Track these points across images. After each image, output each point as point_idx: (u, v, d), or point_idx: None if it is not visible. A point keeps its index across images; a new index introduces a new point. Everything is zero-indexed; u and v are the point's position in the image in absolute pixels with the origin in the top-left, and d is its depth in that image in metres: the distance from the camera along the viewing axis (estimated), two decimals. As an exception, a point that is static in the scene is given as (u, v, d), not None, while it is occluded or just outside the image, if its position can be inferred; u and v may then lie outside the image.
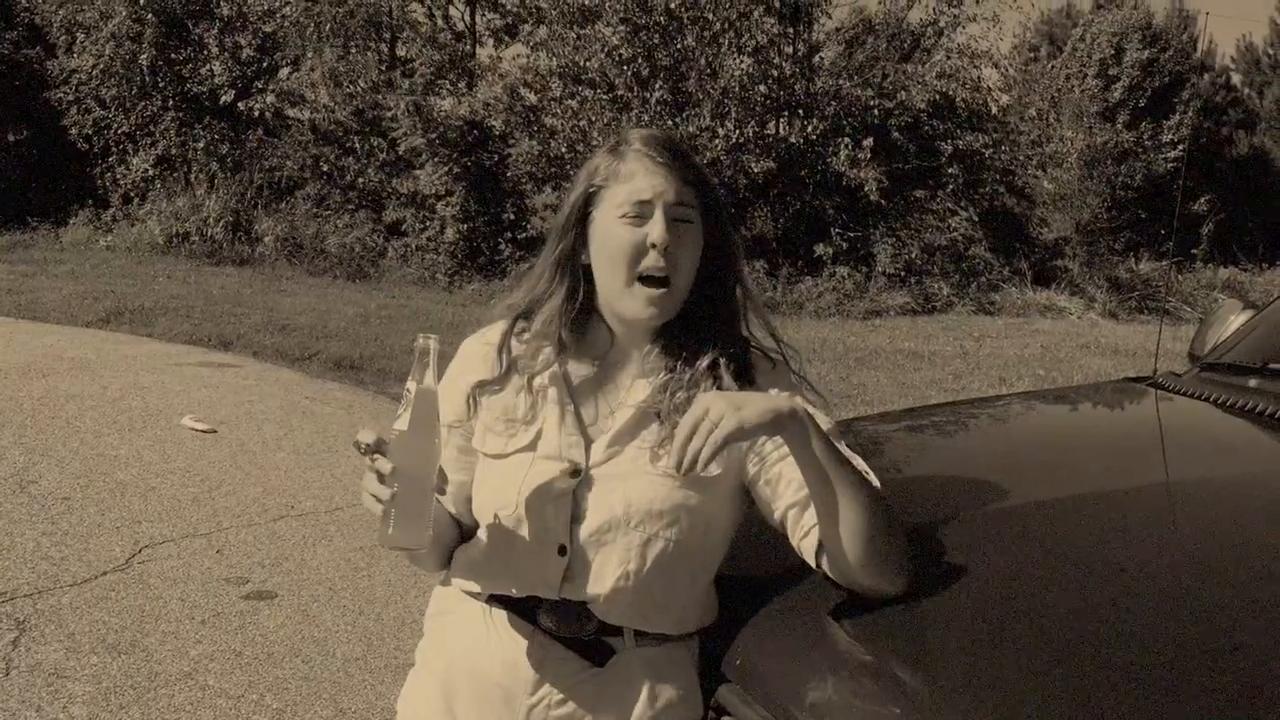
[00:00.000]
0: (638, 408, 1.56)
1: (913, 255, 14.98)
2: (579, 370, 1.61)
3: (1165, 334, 11.24)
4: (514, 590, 1.54)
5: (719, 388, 1.54)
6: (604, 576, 1.50)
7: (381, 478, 1.42)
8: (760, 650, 1.48)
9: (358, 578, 4.34)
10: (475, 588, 1.58)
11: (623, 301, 1.55)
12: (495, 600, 1.57)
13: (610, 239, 1.54)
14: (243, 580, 4.24)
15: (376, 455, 1.42)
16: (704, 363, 1.56)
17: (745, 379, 1.57)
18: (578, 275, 1.59)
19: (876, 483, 1.49)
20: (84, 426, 6.36)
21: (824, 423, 1.51)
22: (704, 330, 1.59)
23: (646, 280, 1.53)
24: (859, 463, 1.49)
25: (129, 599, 4.00)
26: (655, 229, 1.52)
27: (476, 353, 1.64)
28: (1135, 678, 1.23)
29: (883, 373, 9.48)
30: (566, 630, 1.52)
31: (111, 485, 5.31)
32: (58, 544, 4.49)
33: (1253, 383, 2.30)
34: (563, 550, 1.51)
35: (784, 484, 1.51)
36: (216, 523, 4.87)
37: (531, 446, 1.55)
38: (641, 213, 1.53)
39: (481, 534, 1.58)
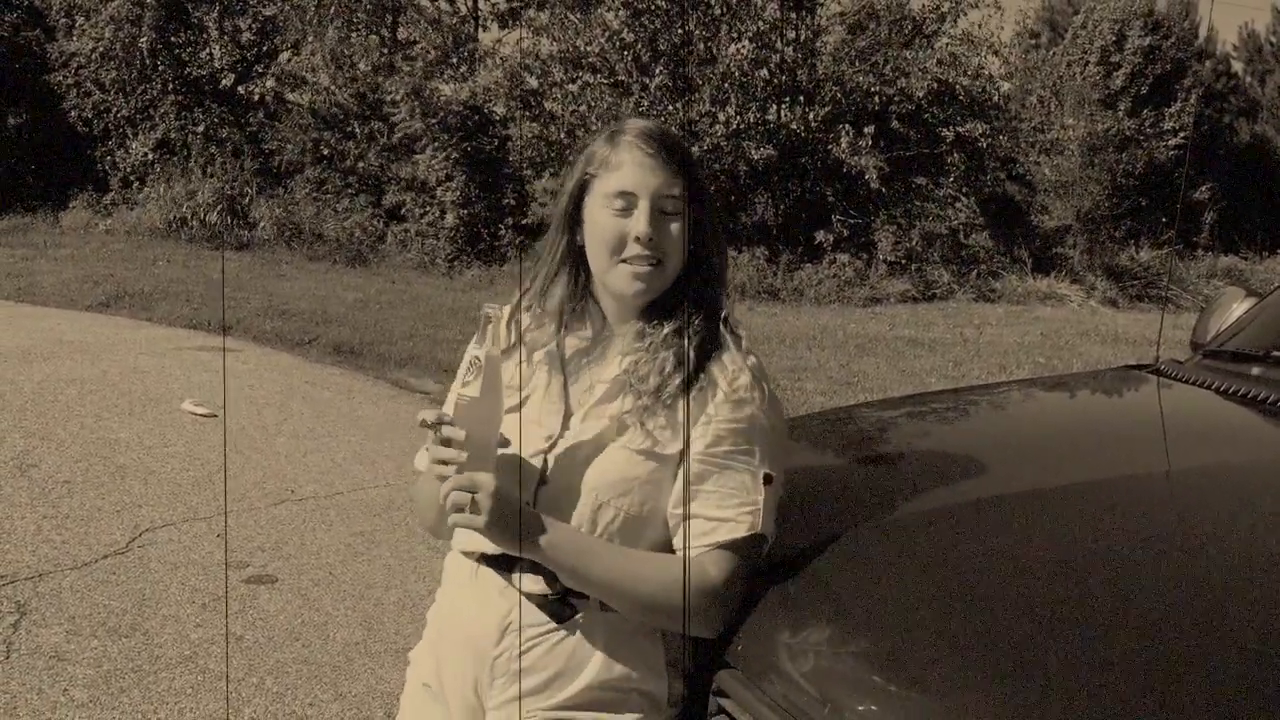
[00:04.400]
0: (614, 381, 1.63)
1: (913, 242, 14.95)
2: (573, 346, 1.68)
3: (1166, 322, 11.24)
4: (485, 547, 1.60)
5: (675, 355, 1.59)
6: None
7: (448, 444, 1.51)
8: (760, 636, 1.48)
9: (357, 562, 4.34)
10: (466, 545, 1.66)
11: (610, 276, 1.62)
12: (485, 560, 1.63)
13: (598, 226, 1.61)
14: (243, 564, 4.25)
15: (444, 425, 1.52)
16: (668, 329, 1.61)
17: (708, 352, 1.60)
18: (577, 260, 1.67)
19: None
20: (84, 410, 6.37)
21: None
22: (683, 312, 1.64)
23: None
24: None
25: (129, 582, 4.01)
26: (639, 223, 1.58)
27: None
28: (1132, 662, 1.23)
29: (883, 360, 9.48)
30: (534, 587, 1.58)
31: (111, 469, 5.32)
32: (58, 527, 4.50)
33: (1255, 370, 2.29)
34: None
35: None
36: (216, 507, 4.88)
37: (517, 409, 1.63)
38: (627, 204, 1.59)
39: None
